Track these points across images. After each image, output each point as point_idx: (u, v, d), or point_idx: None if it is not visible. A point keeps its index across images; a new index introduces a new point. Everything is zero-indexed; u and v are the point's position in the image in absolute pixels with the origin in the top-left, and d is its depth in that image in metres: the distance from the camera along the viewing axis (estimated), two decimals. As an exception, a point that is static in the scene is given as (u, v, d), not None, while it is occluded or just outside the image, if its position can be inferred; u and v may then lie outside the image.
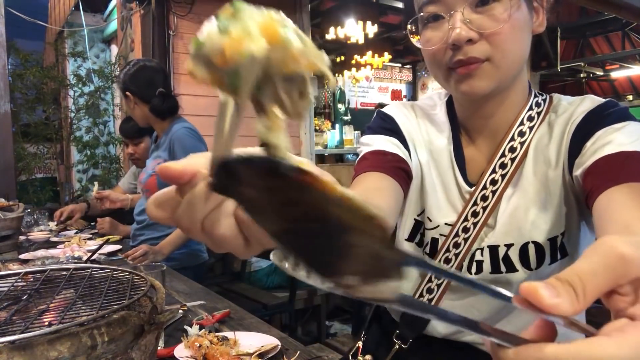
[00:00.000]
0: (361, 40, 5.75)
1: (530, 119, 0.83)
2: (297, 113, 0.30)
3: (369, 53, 6.74)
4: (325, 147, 5.84)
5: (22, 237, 2.15)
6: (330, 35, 5.76)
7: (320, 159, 5.59)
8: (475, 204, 0.84)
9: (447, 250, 0.84)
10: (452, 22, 0.74)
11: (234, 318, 1.18)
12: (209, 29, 0.28)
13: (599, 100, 0.80)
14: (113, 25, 5.08)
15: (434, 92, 0.97)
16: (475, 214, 0.83)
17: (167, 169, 0.34)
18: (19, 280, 0.73)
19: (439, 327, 0.89)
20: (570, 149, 0.78)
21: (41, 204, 4.19)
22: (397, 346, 0.88)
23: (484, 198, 0.83)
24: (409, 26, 0.80)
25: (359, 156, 0.88)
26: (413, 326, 0.86)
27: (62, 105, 4.95)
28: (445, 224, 0.88)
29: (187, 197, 0.35)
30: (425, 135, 0.91)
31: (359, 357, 0.94)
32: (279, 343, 0.97)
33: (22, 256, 1.80)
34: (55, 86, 4.60)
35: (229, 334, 0.98)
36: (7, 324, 0.55)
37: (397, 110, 0.93)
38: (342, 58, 7.60)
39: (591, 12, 7.36)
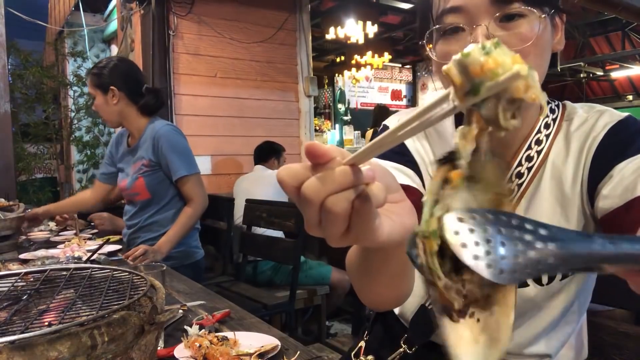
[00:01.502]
0: (361, 40, 5.75)
1: (547, 126, 0.81)
2: (506, 128, 0.36)
3: (369, 53, 6.74)
4: (325, 147, 5.83)
5: (22, 237, 2.15)
6: (330, 35, 5.77)
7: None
8: None
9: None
10: (474, 36, 0.69)
11: (234, 318, 1.18)
12: (476, 47, 0.34)
13: (618, 115, 0.78)
14: (113, 25, 5.08)
15: None
16: None
17: (314, 146, 0.40)
18: (19, 280, 0.73)
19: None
20: (592, 170, 0.76)
21: (41, 204, 4.19)
22: (402, 349, 0.87)
23: None
24: (426, 35, 0.75)
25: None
26: (422, 332, 0.85)
27: (62, 105, 4.96)
28: None
29: (321, 174, 0.40)
30: (431, 151, 0.88)
31: (362, 357, 0.94)
32: (279, 343, 0.97)
33: (22, 256, 1.80)
34: (55, 85, 4.60)
35: (229, 334, 0.98)
36: (7, 324, 0.55)
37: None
38: (342, 58, 7.61)
39: (591, 12, 7.36)
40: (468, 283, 0.33)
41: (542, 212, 0.80)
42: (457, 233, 0.32)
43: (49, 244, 2.14)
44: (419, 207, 0.75)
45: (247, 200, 2.99)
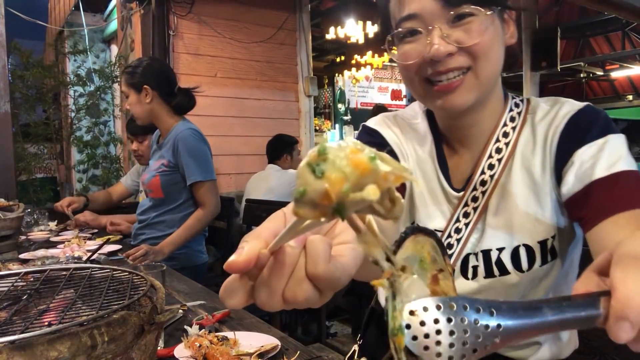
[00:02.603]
0: (361, 40, 5.76)
1: (512, 119, 0.86)
2: (394, 217, 0.34)
3: (369, 53, 6.74)
4: (325, 147, 5.84)
5: (22, 237, 2.15)
6: (330, 35, 5.77)
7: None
8: (466, 205, 0.86)
9: None
10: (430, 37, 0.76)
11: (234, 318, 1.18)
12: (305, 176, 0.30)
13: (578, 104, 0.83)
14: (113, 25, 5.08)
15: (414, 102, 0.99)
16: (466, 215, 0.85)
17: (233, 265, 0.36)
18: (19, 280, 0.73)
19: None
20: (557, 157, 0.81)
21: (41, 204, 4.19)
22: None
23: (475, 199, 0.85)
24: (387, 39, 0.82)
25: None
26: None
27: (62, 105, 4.95)
28: (435, 229, 0.90)
29: (259, 279, 0.37)
30: (410, 146, 0.94)
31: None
32: (279, 343, 0.97)
33: (22, 256, 1.80)
34: (55, 85, 4.60)
35: (229, 334, 0.98)
36: (7, 324, 0.55)
37: (381, 124, 0.96)
38: (342, 58, 7.61)
39: (591, 12, 7.36)
40: None
41: (516, 201, 0.83)
42: (408, 327, 0.34)
43: (49, 244, 2.14)
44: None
45: (247, 200, 2.99)
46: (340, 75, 8.02)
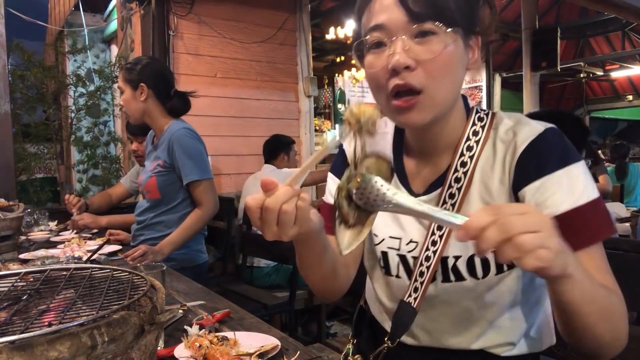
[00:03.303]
0: (361, 40, 5.74)
1: (475, 133, 0.88)
2: (374, 133, 0.70)
3: (369, 53, 6.72)
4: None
5: (22, 237, 2.15)
6: (330, 35, 5.77)
7: (322, 159, 5.59)
8: None
9: (421, 264, 0.88)
10: (392, 48, 0.78)
11: (234, 318, 1.18)
12: (347, 114, 0.69)
13: (538, 129, 0.83)
14: (113, 26, 5.08)
15: None
16: (440, 227, 0.88)
17: (265, 180, 0.68)
18: (19, 280, 0.73)
19: (420, 335, 0.94)
20: (514, 182, 0.83)
21: (41, 204, 4.19)
22: (385, 345, 0.91)
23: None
24: (354, 47, 0.86)
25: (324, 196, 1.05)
26: (404, 323, 0.90)
27: (62, 105, 4.95)
28: (390, 237, 0.94)
29: (274, 194, 0.68)
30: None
31: (350, 358, 0.97)
32: (279, 343, 0.97)
33: (22, 256, 1.80)
34: (55, 86, 4.60)
35: (229, 334, 0.98)
36: (7, 324, 0.55)
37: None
38: (342, 58, 7.60)
39: (591, 12, 7.36)
40: (355, 211, 0.70)
41: (472, 213, 0.84)
42: (348, 181, 0.70)
43: (49, 244, 2.14)
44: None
45: (247, 201, 2.99)
46: (340, 75, 8.01)
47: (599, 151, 6.93)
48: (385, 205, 0.66)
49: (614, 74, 10.34)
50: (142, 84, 2.14)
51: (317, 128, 5.93)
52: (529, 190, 0.80)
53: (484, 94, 7.18)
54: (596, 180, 4.64)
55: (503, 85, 7.94)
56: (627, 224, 3.46)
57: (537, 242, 0.56)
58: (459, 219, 0.59)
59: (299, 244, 0.83)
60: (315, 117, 5.12)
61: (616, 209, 3.75)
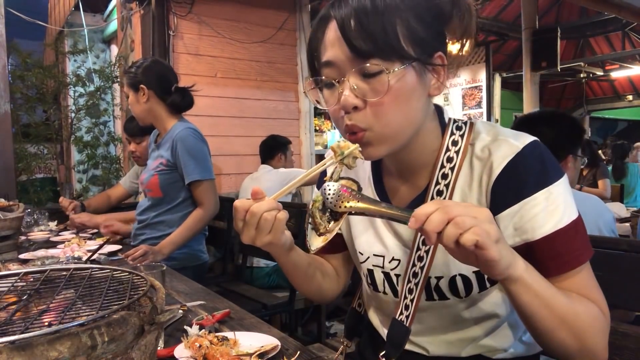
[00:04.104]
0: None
1: (455, 143, 0.85)
2: (353, 167, 0.79)
3: (369, 53, 6.72)
4: (325, 147, 5.85)
5: (22, 237, 2.15)
6: (330, 35, 5.75)
7: (320, 159, 5.59)
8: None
9: (409, 280, 0.86)
10: (342, 87, 0.77)
11: (234, 318, 1.18)
12: (334, 146, 0.77)
13: (516, 146, 0.79)
14: (113, 26, 5.08)
15: None
16: (425, 242, 0.85)
17: (255, 189, 0.80)
18: (19, 280, 0.73)
19: (427, 345, 0.94)
20: (492, 202, 0.81)
21: (41, 204, 4.19)
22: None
23: None
24: (307, 81, 0.85)
25: None
26: (397, 344, 0.87)
27: (62, 105, 4.95)
28: (374, 255, 0.94)
29: (259, 202, 0.79)
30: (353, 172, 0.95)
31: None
32: (279, 343, 0.97)
33: (22, 256, 1.80)
34: (55, 86, 4.60)
35: (229, 334, 0.98)
36: (7, 324, 0.55)
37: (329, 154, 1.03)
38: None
39: (591, 12, 7.36)
40: (325, 223, 0.78)
41: None
42: (324, 190, 0.77)
43: (49, 244, 2.14)
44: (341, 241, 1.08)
45: (247, 201, 2.99)
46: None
47: (600, 151, 6.92)
48: (350, 204, 0.75)
49: (614, 74, 10.34)
50: (142, 85, 2.16)
51: (317, 128, 5.93)
52: (508, 215, 0.78)
53: (484, 94, 7.18)
54: (595, 185, 4.64)
55: (503, 85, 7.94)
56: (627, 224, 3.45)
57: (475, 222, 0.62)
58: (410, 212, 0.66)
59: (273, 254, 0.90)
60: (315, 117, 5.12)
61: (616, 209, 3.75)
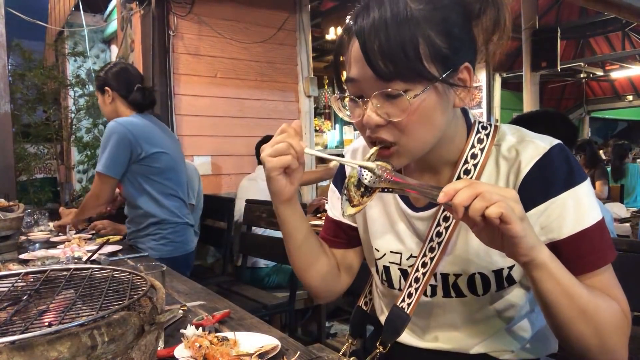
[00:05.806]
0: (361, 41, 5.73)
1: (480, 141, 0.87)
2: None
3: (369, 53, 6.71)
4: (325, 147, 5.84)
5: (22, 238, 2.15)
6: (330, 35, 5.76)
7: (321, 159, 5.60)
8: (438, 224, 0.87)
9: (417, 269, 0.88)
10: (365, 105, 0.78)
11: (234, 318, 1.18)
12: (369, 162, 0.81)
13: (542, 147, 0.81)
14: (113, 26, 5.08)
15: None
16: (439, 234, 0.87)
17: (296, 123, 0.90)
18: (19, 280, 0.73)
19: (409, 339, 0.95)
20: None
21: (41, 204, 4.19)
22: (377, 351, 0.90)
23: (446, 219, 0.87)
24: (336, 95, 0.86)
25: (327, 205, 1.10)
26: (394, 330, 0.89)
27: (62, 105, 4.95)
28: (391, 252, 0.94)
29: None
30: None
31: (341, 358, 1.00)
32: (279, 343, 0.97)
33: (22, 256, 1.80)
34: (55, 86, 4.60)
35: (229, 334, 0.98)
36: (7, 324, 0.55)
37: (350, 151, 1.05)
38: (342, 58, 7.58)
39: (591, 12, 7.36)
40: (358, 196, 0.82)
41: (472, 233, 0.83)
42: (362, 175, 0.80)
43: (49, 244, 2.14)
44: (356, 236, 1.09)
45: (247, 201, 2.99)
46: (340, 75, 8.00)
47: (600, 151, 6.92)
48: (386, 181, 0.79)
49: (614, 74, 10.34)
50: (106, 87, 2.29)
51: (317, 128, 5.93)
52: (534, 214, 0.79)
53: (484, 94, 7.18)
54: (593, 185, 4.65)
55: (503, 85, 7.93)
56: (627, 224, 3.45)
57: (501, 198, 0.65)
58: (440, 189, 0.69)
59: (281, 217, 0.93)
60: (315, 117, 5.12)
61: (616, 209, 3.75)
